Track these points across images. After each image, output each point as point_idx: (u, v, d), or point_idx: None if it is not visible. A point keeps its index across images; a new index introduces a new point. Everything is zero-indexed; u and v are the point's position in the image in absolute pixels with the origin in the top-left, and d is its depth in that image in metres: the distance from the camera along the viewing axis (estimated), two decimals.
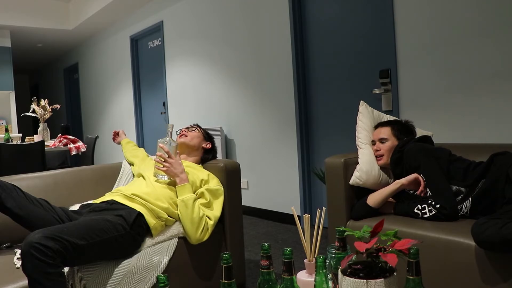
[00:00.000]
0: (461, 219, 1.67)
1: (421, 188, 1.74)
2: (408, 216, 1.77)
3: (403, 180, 1.79)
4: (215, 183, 1.96)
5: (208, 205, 1.88)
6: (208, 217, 1.84)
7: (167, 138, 1.90)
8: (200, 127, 2.21)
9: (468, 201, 1.67)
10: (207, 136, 2.20)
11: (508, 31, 2.19)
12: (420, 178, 1.75)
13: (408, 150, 1.83)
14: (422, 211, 1.71)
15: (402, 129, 1.98)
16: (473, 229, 1.39)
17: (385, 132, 1.98)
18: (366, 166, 1.94)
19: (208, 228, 1.82)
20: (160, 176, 1.88)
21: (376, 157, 1.97)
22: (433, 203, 1.69)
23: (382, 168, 1.97)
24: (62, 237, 1.31)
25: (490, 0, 2.25)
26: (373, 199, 1.86)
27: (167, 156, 1.85)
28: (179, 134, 2.15)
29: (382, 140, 1.96)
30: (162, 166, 1.84)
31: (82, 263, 1.47)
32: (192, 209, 1.77)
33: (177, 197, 1.83)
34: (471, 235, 1.39)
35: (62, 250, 1.30)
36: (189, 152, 2.11)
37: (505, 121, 2.23)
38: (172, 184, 1.87)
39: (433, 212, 1.68)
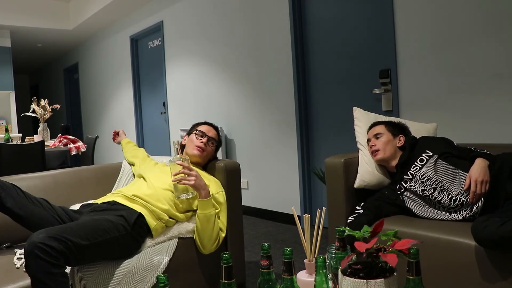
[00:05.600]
0: (461, 219, 1.67)
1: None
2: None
3: None
4: (215, 187, 1.93)
5: (217, 215, 1.87)
6: (221, 229, 1.85)
7: (178, 155, 1.77)
8: (219, 138, 2.13)
9: (481, 200, 1.64)
10: (218, 147, 2.16)
11: (509, 30, 2.19)
12: None
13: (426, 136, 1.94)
14: None
15: (396, 126, 2.00)
16: (473, 228, 1.39)
17: (380, 128, 1.99)
18: (368, 167, 1.95)
19: (220, 240, 1.84)
20: (184, 195, 1.75)
21: (372, 153, 1.97)
22: None
23: (381, 168, 1.98)
24: (65, 237, 1.31)
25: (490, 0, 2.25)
26: None
27: (189, 170, 1.73)
28: (198, 138, 2.04)
29: (377, 136, 1.96)
30: (189, 181, 1.71)
31: (84, 263, 1.47)
32: (213, 225, 1.78)
33: (196, 209, 1.81)
34: (471, 234, 1.39)
35: (65, 250, 1.30)
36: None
37: (506, 121, 2.23)
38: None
39: None
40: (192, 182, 1.70)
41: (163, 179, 1.87)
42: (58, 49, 7.85)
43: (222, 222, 1.88)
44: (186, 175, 1.71)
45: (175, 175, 1.71)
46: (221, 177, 2.00)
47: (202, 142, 2.02)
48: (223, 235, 1.86)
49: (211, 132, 2.10)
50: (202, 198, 1.75)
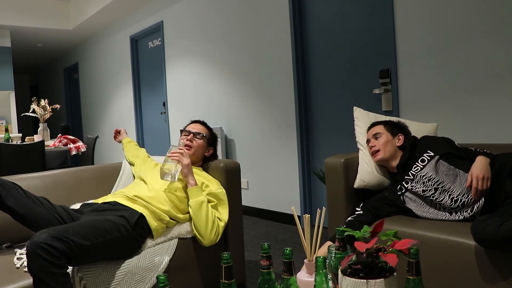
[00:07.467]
0: (461, 219, 1.67)
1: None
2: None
3: None
4: (215, 186, 1.95)
5: (215, 207, 1.88)
6: (219, 219, 1.85)
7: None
8: (207, 131, 2.15)
9: (482, 200, 1.64)
10: (212, 141, 2.16)
11: (509, 30, 2.19)
12: None
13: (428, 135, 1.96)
14: None
15: (394, 125, 2.00)
16: (472, 227, 1.39)
17: (379, 128, 1.99)
18: (368, 167, 1.95)
19: (219, 230, 1.83)
20: (167, 177, 1.83)
21: (372, 153, 1.97)
22: None
23: (381, 169, 1.98)
24: (68, 238, 1.32)
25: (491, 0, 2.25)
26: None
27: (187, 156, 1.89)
28: (183, 138, 2.09)
29: (376, 136, 1.96)
30: (182, 160, 1.85)
31: (85, 263, 1.47)
32: (206, 210, 1.78)
33: (187, 200, 1.84)
34: (471, 233, 1.39)
35: (67, 250, 1.30)
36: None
37: (506, 121, 2.23)
38: (174, 188, 1.86)
39: None
40: (186, 162, 1.84)
41: (162, 181, 1.87)
42: (58, 49, 7.85)
43: (221, 213, 1.88)
44: (182, 155, 1.85)
45: (173, 153, 1.85)
46: (221, 177, 2.00)
47: (187, 139, 2.07)
48: (222, 224, 1.85)
49: (196, 128, 2.14)
50: (191, 186, 1.82)
